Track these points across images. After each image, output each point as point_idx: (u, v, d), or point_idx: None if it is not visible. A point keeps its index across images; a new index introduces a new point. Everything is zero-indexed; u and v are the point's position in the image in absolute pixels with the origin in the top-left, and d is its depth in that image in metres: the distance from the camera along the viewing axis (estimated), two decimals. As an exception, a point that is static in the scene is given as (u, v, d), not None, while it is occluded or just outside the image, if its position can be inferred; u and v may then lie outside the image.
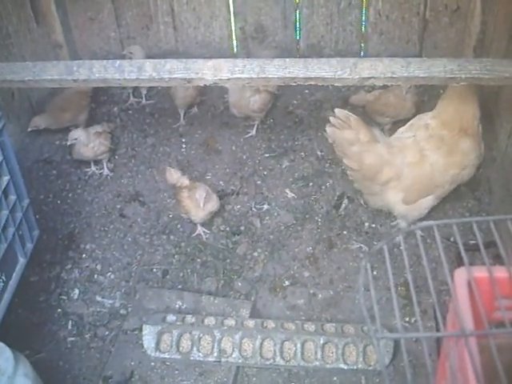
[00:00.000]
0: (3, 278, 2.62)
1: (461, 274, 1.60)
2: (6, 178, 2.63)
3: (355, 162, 3.24)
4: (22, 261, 2.80)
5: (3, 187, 2.60)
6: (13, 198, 2.69)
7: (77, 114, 4.26)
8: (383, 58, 3.00)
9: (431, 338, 2.71)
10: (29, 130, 4.09)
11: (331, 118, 3.19)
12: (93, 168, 4.09)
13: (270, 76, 2.92)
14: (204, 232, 3.67)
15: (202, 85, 3.03)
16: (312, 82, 3.00)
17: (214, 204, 3.60)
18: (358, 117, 3.21)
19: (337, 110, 3.19)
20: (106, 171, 4.08)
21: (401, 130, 3.44)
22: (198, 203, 3.53)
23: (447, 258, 1.69)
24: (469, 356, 1.39)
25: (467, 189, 3.75)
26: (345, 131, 3.17)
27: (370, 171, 3.26)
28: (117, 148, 4.23)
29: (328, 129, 3.21)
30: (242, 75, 2.93)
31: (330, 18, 4.49)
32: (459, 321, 1.45)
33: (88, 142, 3.93)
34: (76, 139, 3.90)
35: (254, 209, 3.83)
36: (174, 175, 3.70)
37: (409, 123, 3.44)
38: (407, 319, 3.18)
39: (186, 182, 3.66)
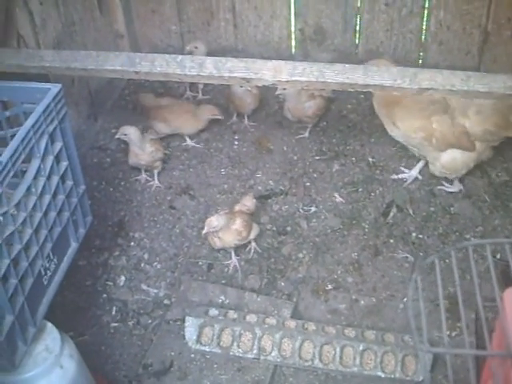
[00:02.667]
0: (55, 260, 2.68)
1: (511, 294, 1.60)
2: (64, 164, 2.69)
3: None
4: (74, 245, 2.86)
5: (61, 172, 2.66)
6: (69, 183, 2.74)
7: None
8: (443, 70, 2.98)
9: (471, 347, 2.70)
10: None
11: None
12: (143, 175, 4.07)
13: (329, 81, 2.92)
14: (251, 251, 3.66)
15: (260, 85, 3.06)
16: (370, 90, 3.01)
17: (255, 232, 3.56)
18: None
19: None
20: (156, 182, 4.04)
21: None
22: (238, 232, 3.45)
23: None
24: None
25: (518, 206, 3.74)
26: None
27: None
28: (171, 140, 4.28)
29: None
30: (300, 78, 2.94)
31: (391, 25, 4.48)
32: (506, 341, 1.45)
33: (141, 144, 3.89)
34: (126, 135, 3.87)
35: (301, 210, 3.85)
36: (215, 222, 3.39)
37: None
38: (448, 332, 3.17)
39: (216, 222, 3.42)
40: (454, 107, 3.55)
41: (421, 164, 3.94)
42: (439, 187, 3.90)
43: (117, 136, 3.93)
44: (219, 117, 4.19)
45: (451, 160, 3.65)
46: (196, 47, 4.39)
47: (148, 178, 4.06)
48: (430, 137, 3.56)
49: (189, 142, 4.29)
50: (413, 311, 1.59)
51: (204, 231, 3.39)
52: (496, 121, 3.55)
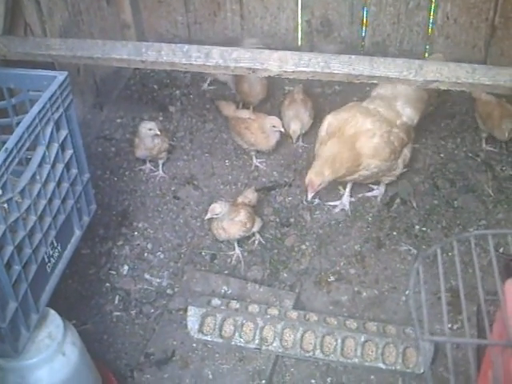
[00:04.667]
0: (59, 248, 2.69)
1: (512, 285, 1.61)
2: (69, 152, 2.69)
3: None
4: (77, 233, 2.87)
5: (66, 160, 2.67)
6: (74, 171, 2.75)
7: None
8: (449, 62, 2.99)
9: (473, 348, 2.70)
10: None
11: None
12: (148, 165, 4.08)
13: (335, 72, 2.93)
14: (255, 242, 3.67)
15: (266, 75, 3.06)
16: (376, 81, 3.01)
17: (258, 225, 3.57)
18: None
19: None
20: (160, 173, 4.05)
21: None
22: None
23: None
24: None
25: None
26: None
27: None
28: (176, 131, 4.29)
29: None
30: (306, 69, 2.95)
31: (398, 18, 4.47)
32: (507, 331, 1.46)
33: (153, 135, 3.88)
34: (151, 130, 3.83)
35: (304, 202, 3.85)
36: (218, 209, 3.40)
37: None
38: (449, 325, 3.18)
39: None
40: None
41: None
42: (360, 195, 3.90)
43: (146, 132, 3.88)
44: (281, 129, 3.92)
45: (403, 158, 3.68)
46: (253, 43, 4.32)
47: (152, 168, 4.07)
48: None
49: (255, 161, 4.12)
50: (414, 301, 1.59)
51: (207, 217, 3.41)
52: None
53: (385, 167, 3.53)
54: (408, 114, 3.63)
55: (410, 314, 3.23)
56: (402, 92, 3.64)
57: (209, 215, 3.38)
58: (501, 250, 3.35)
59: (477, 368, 1.92)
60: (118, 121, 4.40)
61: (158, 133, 3.85)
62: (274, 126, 3.90)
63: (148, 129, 3.84)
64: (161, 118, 4.38)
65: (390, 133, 3.48)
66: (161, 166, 4.06)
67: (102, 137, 4.30)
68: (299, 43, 4.75)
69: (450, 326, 3.18)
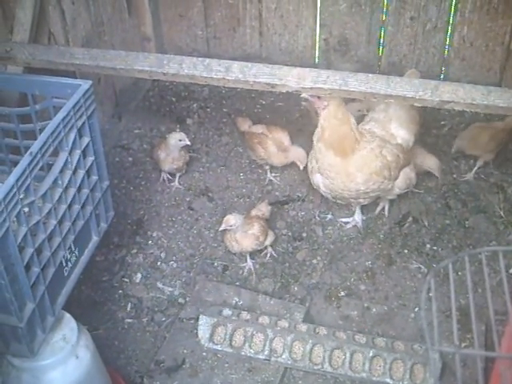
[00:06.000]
0: (76, 252, 2.74)
1: (521, 301, 1.64)
2: (90, 159, 2.75)
3: None
4: (94, 239, 2.92)
5: (87, 167, 2.72)
6: (94, 178, 2.80)
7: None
8: (465, 83, 3.03)
9: (480, 359, 2.72)
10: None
11: None
12: (164, 175, 4.12)
13: (352, 89, 2.98)
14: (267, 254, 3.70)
15: (284, 91, 3.12)
16: (392, 100, 3.06)
17: (270, 238, 3.62)
18: None
19: None
20: (176, 184, 4.10)
21: None
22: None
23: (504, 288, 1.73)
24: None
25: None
26: None
27: None
28: (193, 143, 4.34)
29: None
30: (324, 85, 3.00)
31: (414, 39, 4.52)
32: (515, 345, 1.49)
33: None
34: (181, 140, 3.90)
35: (317, 217, 3.90)
36: (232, 221, 3.46)
37: None
38: (457, 343, 3.19)
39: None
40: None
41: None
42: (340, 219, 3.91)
43: (181, 143, 3.93)
44: (302, 165, 3.93)
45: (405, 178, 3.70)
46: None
47: (170, 177, 4.12)
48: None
49: (269, 175, 4.16)
50: (425, 311, 1.62)
51: (221, 228, 3.46)
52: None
53: (380, 184, 3.55)
54: (402, 135, 3.67)
55: (418, 330, 3.27)
56: (394, 115, 3.69)
57: (223, 226, 3.43)
58: (511, 271, 3.38)
59: (485, 382, 1.95)
60: (136, 131, 4.47)
61: (189, 143, 3.91)
62: (300, 162, 3.93)
63: (178, 139, 3.89)
64: (178, 130, 4.43)
65: (383, 148, 3.52)
66: (177, 177, 4.11)
67: (119, 146, 4.36)
68: (316, 61, 4.81)
69: (458, 343, 3.19)
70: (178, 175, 4.10)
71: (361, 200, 3.63)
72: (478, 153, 4.03)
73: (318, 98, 3.30)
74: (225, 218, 3.44)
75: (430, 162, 3.88)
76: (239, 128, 4.26)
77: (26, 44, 3.31)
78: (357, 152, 3.44)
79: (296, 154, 3.96)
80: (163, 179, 4.12)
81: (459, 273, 3.39)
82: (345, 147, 3.42)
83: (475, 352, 1.48)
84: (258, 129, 4.11)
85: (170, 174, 4.12)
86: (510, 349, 1.57)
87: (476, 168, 4.06)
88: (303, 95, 3.31)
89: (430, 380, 2.99)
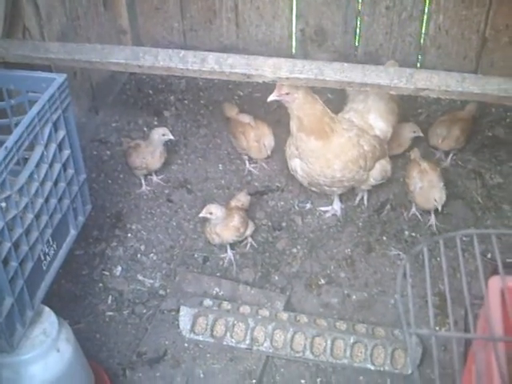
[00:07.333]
0: (54, 246, 2.74)
1: (495, 283, 1.66)
2: (66, 152, 2.74)
3: None
4: (72, 233, 2.91)
5: (63, 160, 2.72)
6: (71, 171, 2.80)
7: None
8: (440, 71, 3.05)
9: (460, 343, 2.75)
10: None
11: None
12: (142, 180, 4.05)
13: (328, 79, 3.00)
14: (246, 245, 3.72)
15: (260, 81, 3.12)
16: (368, 88, 3.08)
17: (251, 229, 3.64)
18: None
19: None
20: (156, 179, 4.07)
21: None
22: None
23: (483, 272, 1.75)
24: (496, 360, 1.45)
25: (510, 207, 3.81)
26: None
27: None
28: (170, 135, 4.35)
29: None
30: (300, 75, 3.02)
31: (390, 28, 4.54)
32: (489, 326, 1.51)
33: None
34: (164, 135, 3.85)
35: (296, 207, 3.91)
36: (213, 209, 3.49)
37: None
38: (437, 328, 3.24)
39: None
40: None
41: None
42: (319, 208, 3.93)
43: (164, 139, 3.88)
44: (268, 153, 4.05)
45: (381, 170, 3.72)
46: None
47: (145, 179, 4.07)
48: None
49: (248, 166, 4.16)
50: (401, 295, 1.64)
51: (201, 214, 3.48)
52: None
53: (355, 174, 3.57)
54: (380, 127, 3.69)
55: (398, 316, 3.29)
56: (373, 106, 3.71)
57: (203, 213, 3.45)
58: (488, 256, 3.41)
59: (462, 365, 1.98)
60: (113, 125, 4.45)
61: (172, 137, 3.88)
62: (264, 145, 3.99)
63: (161, 134, 3.85)
64: (155, 123, 4.43)
65: (361, 137, 3.54)
66: (154, 173, 4.07)
67: (97, 140, 4.34)
68: (293, 51, 4.81)
69: (437, 328, 3.23)
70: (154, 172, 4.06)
71: (334, 189, 3.66)
72: (449, 148, 4.10)
73: (287, 94, 3.32)
74: (206, 206, 3.46)
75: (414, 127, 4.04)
76: (225, 114, 4.27)
77: (0, 39, 3.28)
78: (336, 137, 3.46)
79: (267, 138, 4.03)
80: (141, 183, 4.04)
81: (438, 258, 3.43)
82: (324, 127, 3.43)
83: (450, 334, 1.49)
84: (245, 118, 4.11)
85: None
86: (485, 330, 1.59)
87: (451, 156, 4.11)
88: (270, 98, 3.36)
89: (410, 365, 3.02)
